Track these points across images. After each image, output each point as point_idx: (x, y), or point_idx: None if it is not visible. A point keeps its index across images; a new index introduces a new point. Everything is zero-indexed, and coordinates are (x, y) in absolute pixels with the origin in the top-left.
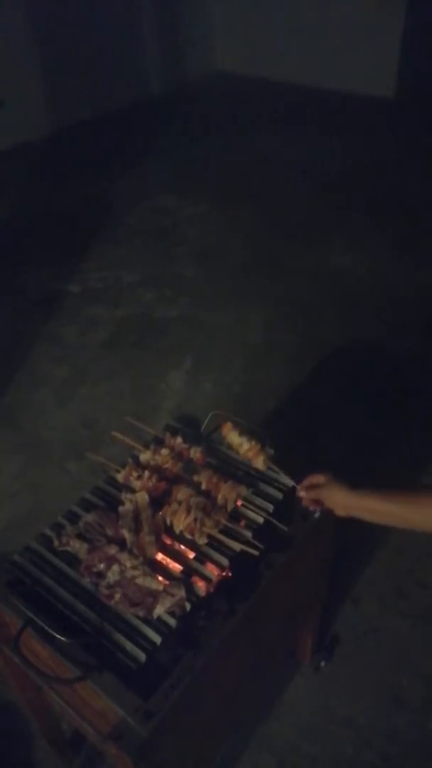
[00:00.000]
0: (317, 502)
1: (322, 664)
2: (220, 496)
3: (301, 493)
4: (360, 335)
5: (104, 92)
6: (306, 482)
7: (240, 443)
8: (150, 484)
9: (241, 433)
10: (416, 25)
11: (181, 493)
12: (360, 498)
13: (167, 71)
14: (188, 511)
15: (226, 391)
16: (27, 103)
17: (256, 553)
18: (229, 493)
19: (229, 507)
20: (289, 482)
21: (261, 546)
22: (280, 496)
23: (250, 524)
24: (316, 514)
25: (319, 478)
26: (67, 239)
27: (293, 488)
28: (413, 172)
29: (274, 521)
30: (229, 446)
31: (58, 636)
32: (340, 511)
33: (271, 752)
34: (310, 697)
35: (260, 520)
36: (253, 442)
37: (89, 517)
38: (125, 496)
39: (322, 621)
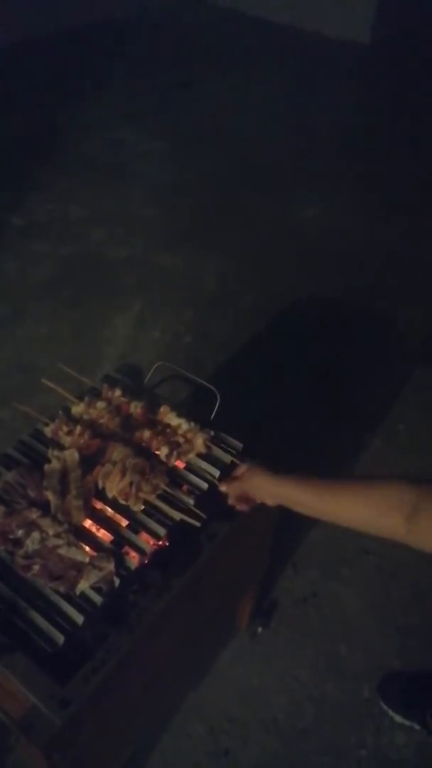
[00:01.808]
0: (243, 498)
1: (259, 630)
2: (182, 440)
3: (223, 488)
4: (318, 292)
5: (65, 6)
6: (228, 478)
7: (179, 424)
8: (81, 441)
9: (179, 414)
10: None
11: (117, 452)
12: (280, 485)
13: None
14: (123, 473)
15: (176, 340)
16: None
17: (197, 524)
18: (195, 437)
19: (195, 453)
20: (237, 445)
21: (204, 516)
22: (228, 459)
23: (193, 490)
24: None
25: (240, 470)
26: (13, 166)
27: (243, 450)
28: (385, 120)
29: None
30: (168, 427)
31: None
32: (268, 500)
33: (201, 719)
34: (245, 664)
35: (204, 486)
36: (192, 423)
37: (9, 476)
38: (52, 453)
39: (261, 587)
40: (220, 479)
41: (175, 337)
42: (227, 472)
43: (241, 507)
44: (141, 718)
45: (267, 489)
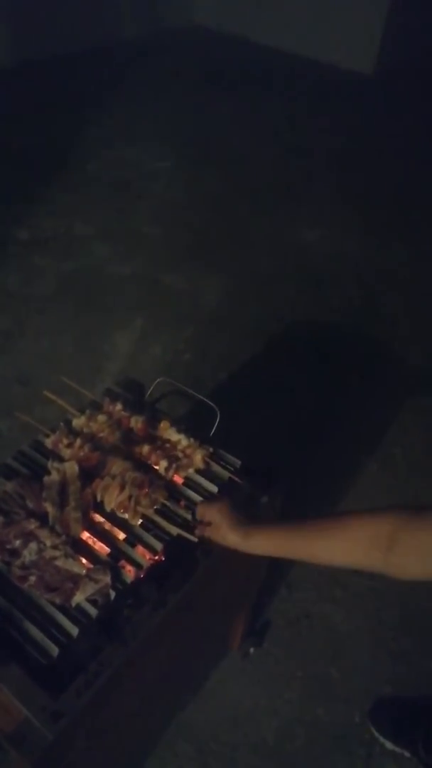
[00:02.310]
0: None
1: (251, 650)
2: (181, 456)
3: (198, 532)
4: (316, 314)
5: (74, 29)
6: (199, 526)
7: (178, 440)
8: (81, 453)
9: (180, 430)
10: (402, 3)
11: (116, 466)
12: (252, 541)
13: (142, 16)
14: (122, 486)
15: (176, 357)
16: None
17: (195, 538)
18: (194, 453)
19: (194, 468)
20: (236, 462)
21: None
22: (226, 476)
23: (190, 506)
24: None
25: (205, 514)
26: (20, 181)
27: (242, 468)
28: (386, 149)
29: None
30: (167, 442)
31: None
32: (241, 553)
33: (189, 740)
34: (236, 684)
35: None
36: (192, 439)
37: (8, 486)
38: (52, 464)
39: (254, 606)
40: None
41: (175, 354)
42: (225, 488)
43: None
44: (132, 735)
45: (236, 543)
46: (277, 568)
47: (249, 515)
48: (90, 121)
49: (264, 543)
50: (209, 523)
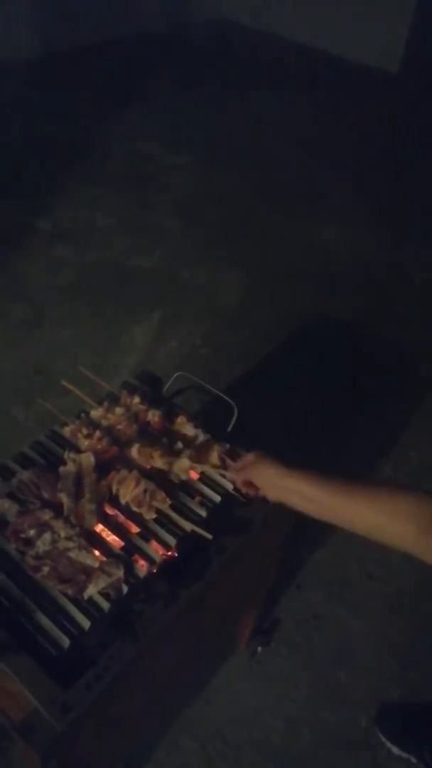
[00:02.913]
0: (249, 484)
1: (259, 649)
2: (197, 453)
3: (230, 475)
4: (333, 312)
5: (101, 20)
6: (238, 464)
7: (195, 435)
8: (99, 445)
9: (196, 426)
10: (428, 3)
11: (134, 453)
12: (289, 477)
13: (170, 9)
14: (138, 480)
15: (193, 352)
16: (11, 18)
17: (209, 536)
18: (210, 450)
19: (210, 465)
20: None
21: (214, 530)
22: None
23: (205, 502)
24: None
25: (249, 458)
26: (42, 172)
27: None
28: (407, 149)
29: (239, 495)
30: (184, 437)
31: None
32: (271, 492)
33: (194, 736)
34: (242, 683)
35: (217, 498)
36: (208, 436)
37: (24, 475)
38: (69, 455)
39: (263, 605)
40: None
41: (192, 348)
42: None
43: (249, 490)
44: (138, 730)
45: (273, 479)
46: (288, 567)
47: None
48: (114, 114)
49: (303, 485)
50: (249, 462)
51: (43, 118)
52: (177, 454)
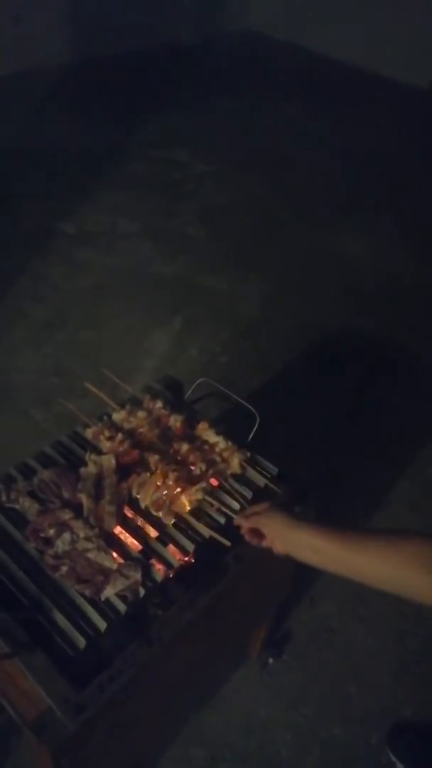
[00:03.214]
0: (257, 533)
1: (270, 660)
2: (218, 458)
3: (239, 521)
4: (356, 325)
5: (131, 29)
6: (247, 510)
7: (216, 442)
8: (120, 448)
9: (218, 432)
10: None
11: (154, 463)
12: (299, 530)
13: (200, 20)
14: (158, 484)
15: (212, 360)
16: (47, 25)
17: (227, 543)
18: (231, 456)
19: (230, 472)
20: (273, 469)
21: (231, 538)
22: (262, 482)
23: (225, 509)
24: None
25: (259, 506)
26: (69, 176)
27: (279, 475)
28: None
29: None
30: (205, 443)
31: None
32: (279, 544)
33: (202, 744)
34: (252, 694)
35: (236, 506)
36: (229, 443)
37: (45, 474)
38: (90, 456)
39: (276, 616)
40: (241, 510)
41: (211, 356)
42: (260, 495)
43: (253, 540)
44: (148, 734)
45: (282, 531)
46: (302, 578)
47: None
48: (144, 122)
49: (313, 538)
50: (259, 511)
51: (74, 124)
52: (194, 481)
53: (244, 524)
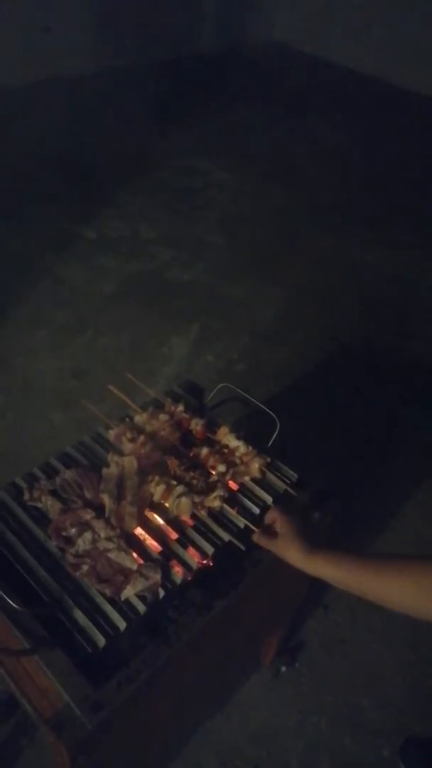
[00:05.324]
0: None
1: (283, 668)
2: (238, 462)
3: (256, 538)
4: (373, 336)
5: (156, 39)
6: (266, 520)
7: (237, 446)
8: (142, 450)
9: (239, 437)
10: None
11: (174, 466)
12: (315, 559)
13: (224, 31)
14: (178, 488)
15: (229, 367)
16: (74, 35)
17: (243, 547)
18: (251, 461)
19: (250, 477)
20: (293, 475)
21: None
22: (282, 488)
23: (244, 513)
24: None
25: (276, 520)
26: (91, 183)
27: (298, 482)
28: None
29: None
30: (225, 448)
31: (9, 600)
32: (295, 564)
33: (213, 751)
34: (264, 702)
35: (256, 510)
36: (250, 447)
37: (68, 474)
38: (112, 457)
39: (289, 624)
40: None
41: (228, 363)
42: (280, 500)
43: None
44: (161, 736)
45: (297, 560)
46: (315, 587)
47: (313, 539)
48: (168, 130)
49: (328, 569)
50: (274, 532)
51: (98, 131)
52: (211, 488)
53: (260, 542)
